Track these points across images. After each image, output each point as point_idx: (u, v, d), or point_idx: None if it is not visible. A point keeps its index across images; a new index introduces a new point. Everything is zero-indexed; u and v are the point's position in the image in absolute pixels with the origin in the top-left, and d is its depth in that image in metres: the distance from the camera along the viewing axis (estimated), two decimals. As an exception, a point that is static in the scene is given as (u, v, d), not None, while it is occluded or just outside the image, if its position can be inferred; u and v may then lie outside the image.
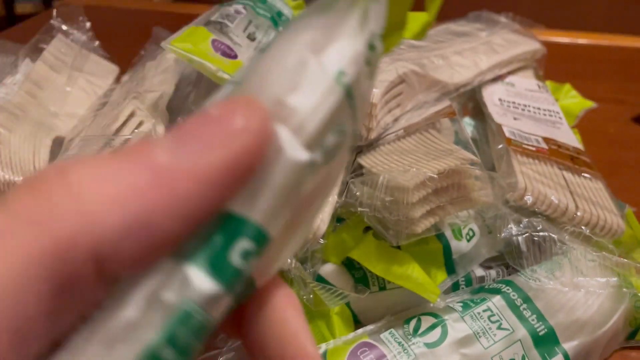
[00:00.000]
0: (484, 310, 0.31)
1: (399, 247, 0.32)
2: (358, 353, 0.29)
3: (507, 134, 0.38)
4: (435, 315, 0.31)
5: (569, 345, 0.30)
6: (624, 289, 0.33)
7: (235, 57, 0.42)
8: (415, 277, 0.31)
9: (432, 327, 0.30)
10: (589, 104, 0.55)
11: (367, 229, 0.33)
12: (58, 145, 0.39)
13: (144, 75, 0.45)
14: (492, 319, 0.30)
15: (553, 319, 0.31)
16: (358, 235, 0.33)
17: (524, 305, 0.31)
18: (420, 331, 0.30)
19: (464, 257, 0.33)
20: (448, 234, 0.33)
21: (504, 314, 0.31)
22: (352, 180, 0.31)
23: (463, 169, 0.30)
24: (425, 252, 0.33)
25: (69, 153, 0.35)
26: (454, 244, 0.33)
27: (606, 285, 0.32)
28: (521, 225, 0.32)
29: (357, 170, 0.33)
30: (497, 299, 0.31)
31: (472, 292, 0.33)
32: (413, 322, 0.30)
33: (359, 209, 0.30)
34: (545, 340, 0.30)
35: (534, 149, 0.37)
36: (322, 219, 0.29)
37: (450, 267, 0.33)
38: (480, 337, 0.30)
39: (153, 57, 0.50)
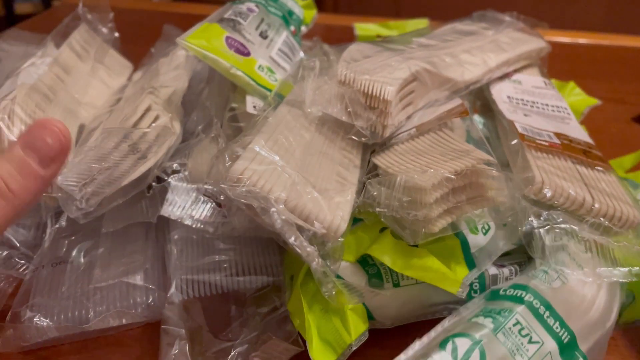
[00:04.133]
0: (514, 325, 0.28)
1: (416, 246, 0.31)
2: None
3: (520, 130, 0.37)
4: (469, 336, 0.28)
5: (585, 347, 0.29)
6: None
7: (248, 54, 0.41)
8: (436, 269, 0.29)
9: (470, 351, 0.27)
10: (593, 101, 0.54)
11: (383, 229, 0.32)
12: (79, 132, 0.39)
13: (157, 71, 0.44)
14: (523, 332, 0.28)
15: (571, 323, 0.29)
16: (374, 235, 0.32)
17: (547, 313, 0.29)
18: (460, 356, 0.27)
19: (483, 251, 0.32)
20: (464, 227, 0.32)
21: (533, 326, 0.29)
22: (369, 180, 0.30)
23: (480, 169, 0.29)
24: (444, 248, 0.31)
25: (89, 144, 0.34)
26: (471, 238, 0.32)
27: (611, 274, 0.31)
28: (541, 218, 0.31)
29: (372, 171, 0.32)
30: (522, 309, 0.29)
31: (488, 299, 0.31)
32: (449, 346, 0.28)
33: (377, 209, 0.28)
34: (568, 347, 0.29)
35: (547, 144, 0.36)
36: (343, 217, 0.28)
37: (470, 261, 0.32)
38: (515, 355, 0.28)
39: (165, 54, 0.49)
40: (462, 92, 0.39)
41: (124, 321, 0.32)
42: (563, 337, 0.29)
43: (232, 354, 0.30)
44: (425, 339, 0.29)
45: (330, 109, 0.32)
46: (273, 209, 0.26)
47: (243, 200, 0.26)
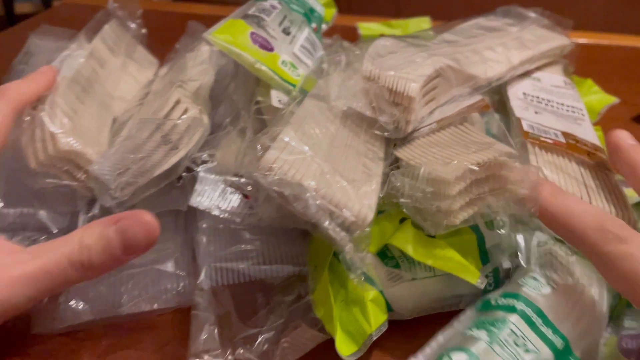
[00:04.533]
0: (509, 335, 0.28)
1: (433, 237, 0.32)
2: None
3: (526, 128, 0.38)
4: (464, 350, 0.28)
5: (579, 352, 0.29)
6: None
7: (271, 49, 0.42)
8: (456, 259, 0.30)
9: None
10: (612, 99, 0.54)
11: (402, 220, 0.33)
12: (112, 125, 0.40)
13: (185, 66, 0.45)
14: (518, 342, 0.28)
15: (564, 328, 0.29)
16: (395, 225, 0.32)
17: (540, 321, 0.29)
18: None
19: (497, 247, 0.33)
20: (480, 223, 0.33)
21: (527, 335, 0.29)
22: (393, 172, 0.31)
23: (502, 161, 0.30)
24: (460, 243, 0.32)
25: (123, 135, 0.35)
26: (487, 233, 0.33)
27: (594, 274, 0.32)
28: None
29: (394, 163, 0.33)
30: (515, 319, 0.29)
31: (479, 309, 0.31)
32: None
33: (401, 199, 0.29)
34: (563, 354, 0.29)
35: (551, 141, 0.37)
36: (370, 206, 0.29)
37: (484, 256, 0.33)
38: None
39: (190, 49, 0.51)
40: (484, 89, 0.40)
41: (155, 306, 0.33)
42: (557, 344, 0.28)
43: (259, 339, 0.31)
44: (420, 357, 0.29)
45: (355, 103, 0.33)
46: (308, 194, 0.27)
47: (275, 189, 0.27)
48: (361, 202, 0.29)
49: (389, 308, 0.33)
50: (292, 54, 0.44)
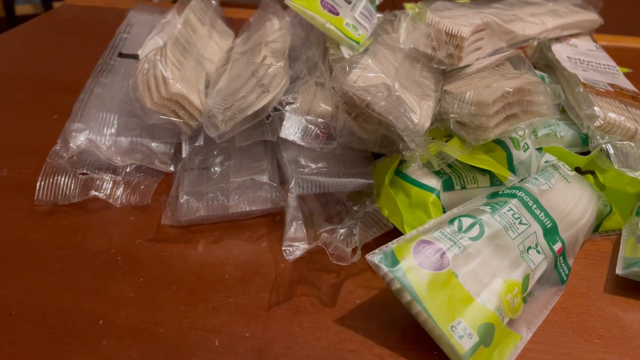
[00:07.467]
0: (508, 210, 0.38)
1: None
2: (420, 248, 0.34)
3: (582, 80, 0.49)
4: (472, 217, 0.37)
5: (565, 235, 0.39)
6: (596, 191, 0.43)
7: (337, 14, 0.53)
8: (493, 162, 0.40)
9: (472, 225, 0.36)
10: (624, 69, 0.63)
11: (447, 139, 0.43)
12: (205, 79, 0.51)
13: (266, 32, 0.56)
14: (515, 216, 0.37)
15: (554, 215, 0.38)
16: (441, 138, 0.43)
17: (534, 206, 0.38)
18: (464, 229, 0.36)
19: (522, 164, 0.43)
20: (509, 144, 0.43)
21: (522, 213, 0.38)
22: (444, 97, 0.41)
23: (530, 86, 0.40)
24: (494, 157, 0.42)
25: (223, 81, 0.46)
26: (515, 152, 0.43)
27: (587, 188, 0.43)
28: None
29: (442, 95, 0.43)
30: (515, 201, 0.38)
31: (489, 197, 0.40)
32: (456, 223, 0.36)
33: (451, 115, 0.40)
34: (551, 232, 0.38)
35: (603, 90, 0.48)
36: (428, 116, 0.39)
37: (512, 170, 0.43)
38: (508, 230, 0.36)
39: (267, 19, 0.61)
40: (520, 45, 0.50)
41: (253, 207, 0.44)
42: (546, 224, 0.38)
43: (336, 233, 0.41)
44: (437, 219, 0.38)
45: (419, 44, 0.43)
46: (387, 93, 0.37)
47: (360, 94, 0.37)
48: (422, 112, 0.39)
49: (444, 210, 0.42)
50: (354, 18, 0.54)
